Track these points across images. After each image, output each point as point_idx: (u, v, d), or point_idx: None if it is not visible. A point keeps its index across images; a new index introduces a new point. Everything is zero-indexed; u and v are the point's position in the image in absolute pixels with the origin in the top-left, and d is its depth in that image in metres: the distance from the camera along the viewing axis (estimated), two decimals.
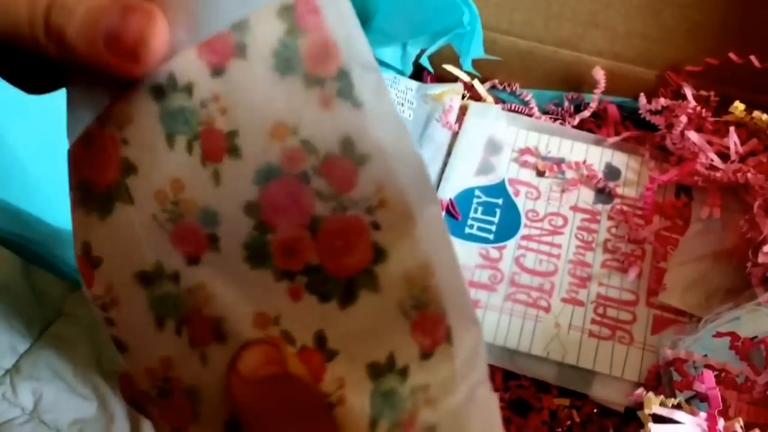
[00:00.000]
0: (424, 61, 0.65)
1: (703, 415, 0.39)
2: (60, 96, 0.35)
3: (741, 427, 0.38)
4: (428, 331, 0.22)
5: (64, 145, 0.36)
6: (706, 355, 0.46)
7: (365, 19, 0.63)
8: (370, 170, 0.22)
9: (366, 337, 0.23)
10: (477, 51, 0.58)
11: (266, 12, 0.21)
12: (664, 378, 0.51)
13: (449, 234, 0.23)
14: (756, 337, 0.46)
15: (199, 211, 0.23)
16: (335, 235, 0.22)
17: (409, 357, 0.22)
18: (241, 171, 0.22)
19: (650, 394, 0.39)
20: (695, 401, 0.45)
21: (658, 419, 0.39)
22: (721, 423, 0.38)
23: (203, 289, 0.23)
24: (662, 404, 0.38)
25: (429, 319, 0.22)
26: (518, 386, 0.55)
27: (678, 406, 0.39)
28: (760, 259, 0.51)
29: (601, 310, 0.56)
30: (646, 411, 0.38)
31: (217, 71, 0.22)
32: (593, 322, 0.55)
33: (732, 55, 0.57)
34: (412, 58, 0.67)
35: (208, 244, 0.23)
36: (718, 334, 0.47)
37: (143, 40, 0.20)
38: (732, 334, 0.47)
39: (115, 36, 0.20)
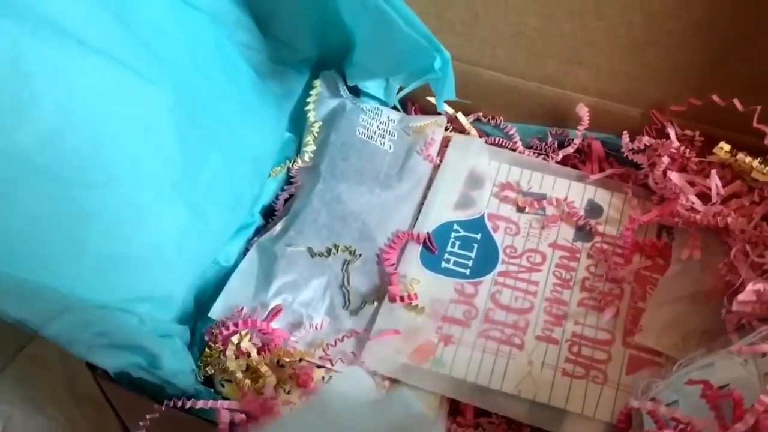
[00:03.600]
0: (399, 99, 0.65)
1: None
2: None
3: None
4: None
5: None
6: (671, 404, 0.45)
7: (347, 52, 0.63)
8: None
9: None
10: (449, 94, 0.58)
11: None
12: (635, 420, 0.50)
13: None
14: (727, 385, 0.45)
15: None
16: None
17: None
18: None
19: None
20: None
21: None
22: None
23: None
24: None
25: None
26: (489, 423, 0.55)
27: None
28: (734, 307, 0.50)
29: (575, 348, 0.55)
30: None
31: None
32: (567, 360, 0.54)
33: (715, 98, 0.57)
34: (395, 90, 0.67)
35: None
36: (690, 382, 0.47)
37: None
38: (704, 382, 0.46)
39: None
